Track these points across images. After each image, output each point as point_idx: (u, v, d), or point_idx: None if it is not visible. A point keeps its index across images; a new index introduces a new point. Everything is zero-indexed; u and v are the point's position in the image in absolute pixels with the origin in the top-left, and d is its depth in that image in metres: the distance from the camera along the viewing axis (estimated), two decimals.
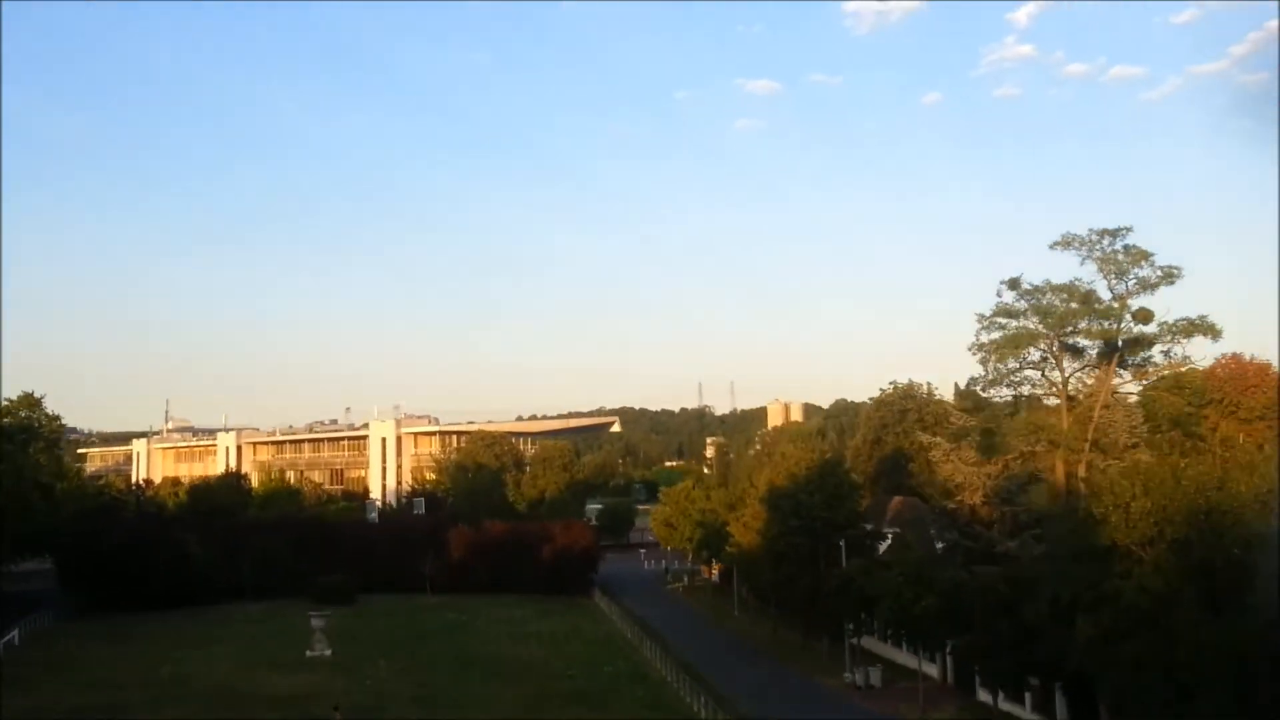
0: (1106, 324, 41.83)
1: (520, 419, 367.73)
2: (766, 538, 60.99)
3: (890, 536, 71.56)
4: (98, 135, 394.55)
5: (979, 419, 47.39)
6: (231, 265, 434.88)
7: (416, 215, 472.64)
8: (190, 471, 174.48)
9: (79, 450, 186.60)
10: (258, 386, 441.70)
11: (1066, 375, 44.02)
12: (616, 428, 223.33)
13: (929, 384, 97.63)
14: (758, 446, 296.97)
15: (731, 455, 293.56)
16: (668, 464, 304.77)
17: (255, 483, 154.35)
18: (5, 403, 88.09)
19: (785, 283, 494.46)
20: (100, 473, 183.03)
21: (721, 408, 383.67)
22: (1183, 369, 53.15)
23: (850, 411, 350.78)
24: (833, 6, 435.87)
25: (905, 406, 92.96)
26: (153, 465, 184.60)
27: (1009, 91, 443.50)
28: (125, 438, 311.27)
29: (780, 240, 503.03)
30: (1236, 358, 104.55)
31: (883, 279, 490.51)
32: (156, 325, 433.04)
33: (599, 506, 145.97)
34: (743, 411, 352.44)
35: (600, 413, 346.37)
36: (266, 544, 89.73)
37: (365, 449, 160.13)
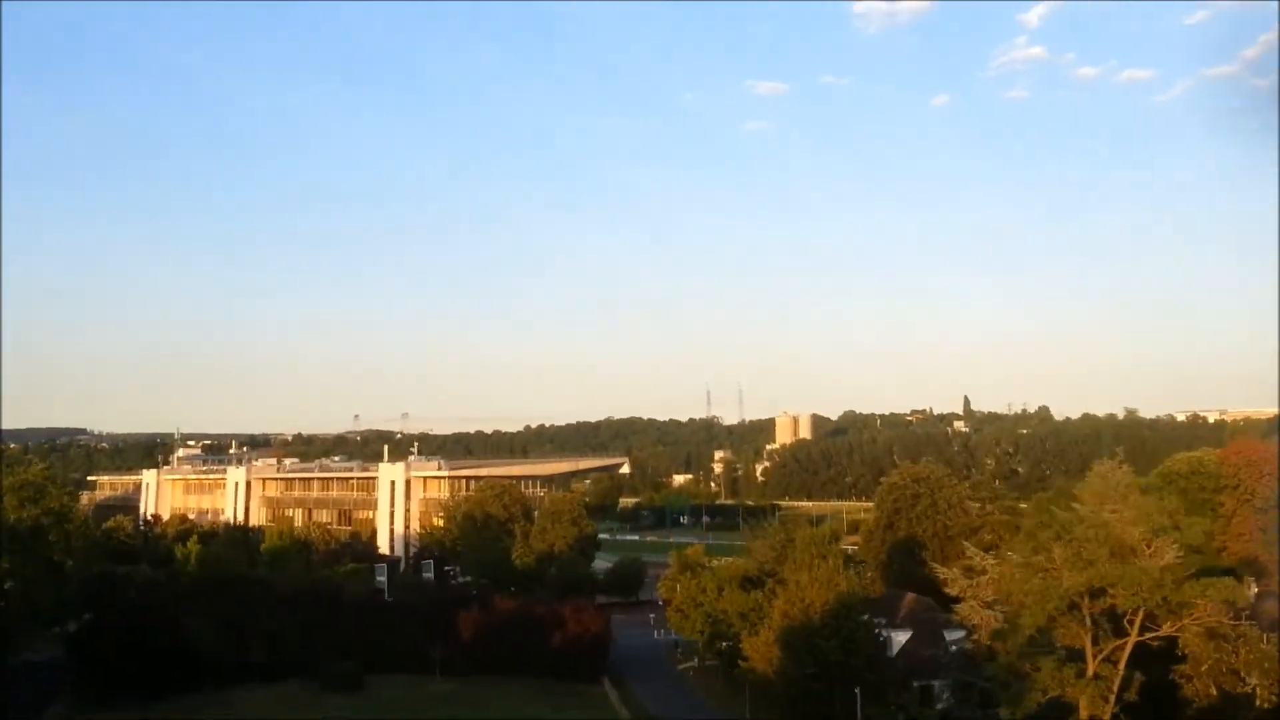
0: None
1: (528, 427, 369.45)
2: (782, 680, 60.45)
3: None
4: (102, 135, 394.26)
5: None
6: (242, 269, 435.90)
7: (423, 220, 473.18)
8: (199, 504, 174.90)
9: (89, 477, 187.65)
10: (266, 392, 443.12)
11: (1093, 628, 43.05)
12: (625, 469, 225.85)
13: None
14: (766, 464, 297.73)
15: (739, 470, 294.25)
16: (676, 477, 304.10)
17: (264, 519, 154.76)
18: (22, 475, 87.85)
19: (793, 287, 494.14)
20: (109, 502, 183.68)
21: (729, 417, 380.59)
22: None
23: (859, 424, 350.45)
24: (842, 7, 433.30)
25: (917, 491, 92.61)
26: (161, 497, 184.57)
27: (1019, 94, 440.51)
28: (136, 441, 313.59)
29: (788, 244, 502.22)
30: (1250, 443, 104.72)
31: (890, 282, 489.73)
32: (168, 330, 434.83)
33: (610, 540, 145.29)
34: (751, 422, 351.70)
35: (609, 423, 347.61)
36: (276, 623, 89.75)
37: (374, 489, 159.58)
